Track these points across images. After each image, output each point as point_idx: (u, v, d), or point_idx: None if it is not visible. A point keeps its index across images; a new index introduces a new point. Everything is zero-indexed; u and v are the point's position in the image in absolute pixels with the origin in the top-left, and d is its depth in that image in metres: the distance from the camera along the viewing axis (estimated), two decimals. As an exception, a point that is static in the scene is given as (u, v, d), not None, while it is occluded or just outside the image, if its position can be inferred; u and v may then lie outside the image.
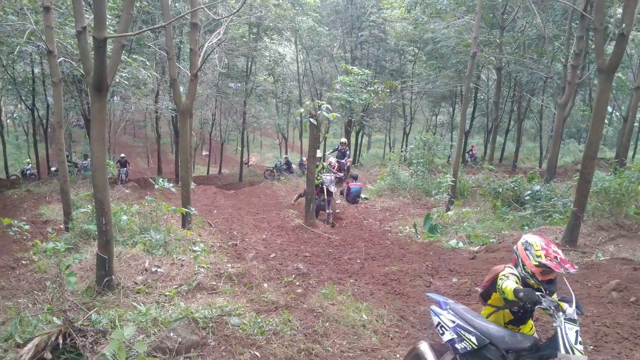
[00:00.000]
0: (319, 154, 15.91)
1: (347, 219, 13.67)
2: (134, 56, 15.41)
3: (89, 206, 9.16)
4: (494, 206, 12.64)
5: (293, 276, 7.74)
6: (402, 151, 24.13)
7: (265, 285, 7.07)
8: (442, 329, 3.89)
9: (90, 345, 4.33)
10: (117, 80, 13.43)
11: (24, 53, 17.36)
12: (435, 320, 3.98)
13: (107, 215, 5.86)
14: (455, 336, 3.76)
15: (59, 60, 10.13)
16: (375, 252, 10.02)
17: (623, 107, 24.39)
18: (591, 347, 5.37)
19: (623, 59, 13.11)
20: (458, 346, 3.73)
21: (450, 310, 3.97)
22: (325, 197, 13.43)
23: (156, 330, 4.78)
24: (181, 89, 12.15)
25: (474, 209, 12.90)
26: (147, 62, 16.15)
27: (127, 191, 14.65)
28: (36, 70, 22.70)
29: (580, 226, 9.03)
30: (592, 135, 8.81)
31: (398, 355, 5.07)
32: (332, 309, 6.17)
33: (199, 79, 10.23)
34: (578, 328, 3.20)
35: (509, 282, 3.48)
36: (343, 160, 20.36)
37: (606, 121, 17.68)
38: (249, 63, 27.33)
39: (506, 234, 10.61)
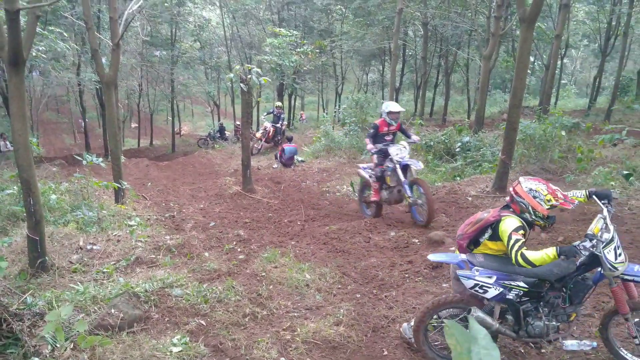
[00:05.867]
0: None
1: (285, 182, 13.71)
2: (50, 28, 14.57)
3: (14, 187, 8.74)
4: (426, 160, 12.95)
5: (234, 243, 7.74)
6: (335, 111, 24.19)
7: (206, 254, 7.03)
8: (483, 288, 3.92)
9: (28, 329, 4.19)
10: (34, 54, 12.73)
11: None
12: (470, 283, 3.95)
13: (34, 195, 5.63)
14: (502, 289, 3.87)
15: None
16: (315, 213, 10.14)
17: (544, 56, 25.31)
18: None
19: (543, 8, 13.51)
20: (509, 296, 3.88)
21: (477, 268, 3.99)
22: (403, 179, 8.28)
23: (96, 308, 4.70)
24: (104, 59, 11.63)
25: (407, 164, 13.16)
26: (65, 34, 15.34)
27: (54, 169, 14.07)
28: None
29: (508, 173, 9.42)
30: (516, 84, 9.13)
31: (342, 310, 5.20)
32: (275, 271, 6.24)
33: (121, 48, 9.83)
34: (616, 243, 3.59)
35: (542, 252, 3.69)
36: (278, 124, 20.25)
37: (529, 70, 18.30)
38: (173, 29, 26.43)
39: (439, 185, 10.96)
